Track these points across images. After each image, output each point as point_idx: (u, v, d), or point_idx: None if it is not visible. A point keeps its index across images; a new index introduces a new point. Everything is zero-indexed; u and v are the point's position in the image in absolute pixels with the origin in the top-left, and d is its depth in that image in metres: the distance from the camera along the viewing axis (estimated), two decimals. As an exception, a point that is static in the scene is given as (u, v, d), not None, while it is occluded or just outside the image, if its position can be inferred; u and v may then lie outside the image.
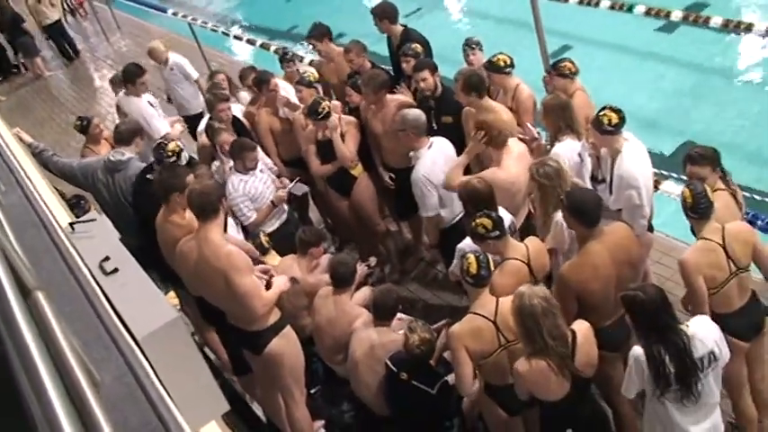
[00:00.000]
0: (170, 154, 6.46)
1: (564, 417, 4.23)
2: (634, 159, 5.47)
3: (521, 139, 6.37)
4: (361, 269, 6.05)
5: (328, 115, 6.99)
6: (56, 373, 1.90)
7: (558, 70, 6.47)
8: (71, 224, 3.76)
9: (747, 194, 6.92)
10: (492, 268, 4.72)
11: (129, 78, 8.49)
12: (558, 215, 5.18)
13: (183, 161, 6.68)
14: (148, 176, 6.50)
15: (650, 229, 5.82)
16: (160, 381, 2.66)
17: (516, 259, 5.01)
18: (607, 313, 4.88)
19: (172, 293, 7.03)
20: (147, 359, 2.75)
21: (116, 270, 3.26)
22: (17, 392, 1.67)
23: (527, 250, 5.06)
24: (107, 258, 3.33)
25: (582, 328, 4.31)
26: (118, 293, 3.06)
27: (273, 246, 6.40)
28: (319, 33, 8.20)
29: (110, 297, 3.03)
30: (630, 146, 5.50)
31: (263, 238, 6.38)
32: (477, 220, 4.96)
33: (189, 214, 5.52)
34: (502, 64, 6.65)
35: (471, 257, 4.69)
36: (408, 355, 4.91)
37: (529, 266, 5.02)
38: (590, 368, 4.25)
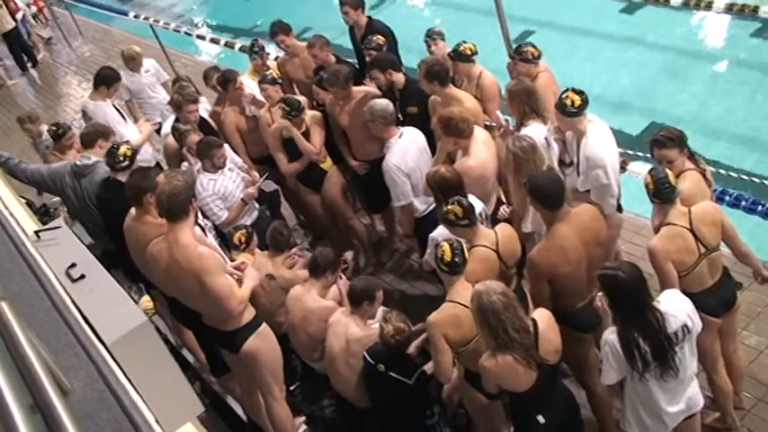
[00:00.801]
0: (121, 158, 6.37)
1: (533, 404, 4.23)
2: (599, 140, 5.49)
3: (486, 127, 6.40)
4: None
5: (303, 109, 7.00)
6: (20, 383, 1.89)
7: (521, 55, 6.49)
8: (36, 232, 3.72)
9: (715, 170, 7.01)
10: (466, 255, 4.72)
11: (106, 82, 8.42)
12: None
13: (139, 164, 6.61)
14: (110, 179, 6.44)
15: (619, 209, 5.86)
16: (132, 385, 2.65)
17: (485, 246, 5.02)
18: (580, 294, 4.90)
19: (146, 297, 6.98)
20: (117, 364, 2.73)
21: (83, 276, 3.24)
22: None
23: (496, 237, 5.07)
24: (73, 265, 3.31)
25: (543, 315, 4.31)
26: (86, 300, 3.04)
27: (248, 239, 6.35)
28: (281, 28, 8.16)
29: (78, 304, 3.01)
30: (595, 127, 5.52)
31: (239, 234, 6.34)
32: (449, 207, 4.98)
33: None
34: (468, 52, 6.68)
35: (445, 245, 4.69)
36: (384, 346, 4.92)
37: (498, 253, 5.03)
38: (555, 354, 4.23)
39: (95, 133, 7.05)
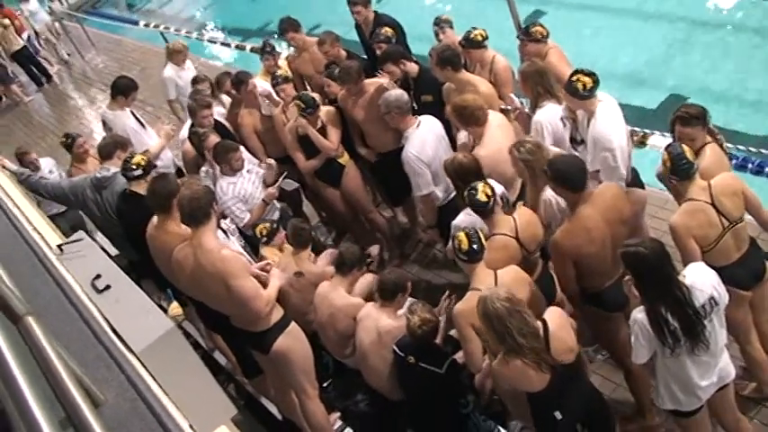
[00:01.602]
0: (134, 167, 6.37)
1: (549, 402, 4.17)
2: (607, 121, 5.45)
3: (502, 111, 6.37)
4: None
5: (318, 106, 7.00)
6: (51, 397, 1.90)
7: (530, 36, 6.49)
8: (59, 246, 3.75)
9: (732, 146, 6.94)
10: (484, 242, 4.69)
11: (123, 91, 8.42)
12: (546, 192, 5.17)
13: (159, 170, 6.63)
14: (126, 191, 6.46)
15: (641, 185, 5.82)
16: (164, 392, 2.66)
17: (503, 234, 4.99)
18: (607, 274, 4.86)
19: (175, 303, 7.02)
20: (148, 372, 2.74)
21: (108, 287, 3.26)
22: (8, 425, 1.67)
23: (515, 223, 5.04)
24: (98, 276, 3.33)
25: (554, 315, 4.25)
26: (112, 310, 3.06)
27: (270, 233, 6.36)
28: (290, 25, 8.17)
29: (105, 314, 3.03)
30: (604, 107, 5.48)
31: (260, 227, 6.35)
32: (480, 188, 4.96)
33: None
34: (480, 38, 6.71)
35: (461, 235, 4.68)
36: (412, 337, 4.91)
37: (518, 240, 5.00)
38: (569, 353, 4.16)
39: (113, 144, 7.09)
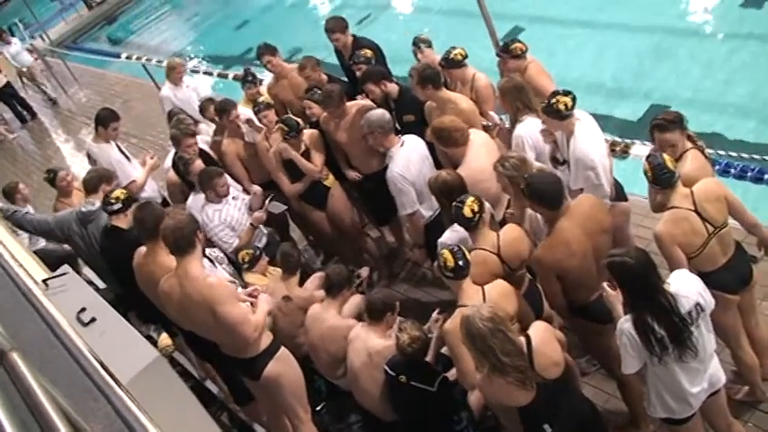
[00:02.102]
0: (113, 201, 6.33)
1: (537, 416, 4.16)
2: (587, 140, 5.49)
3: (484, 128, 6.41)
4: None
5: (301, 130, 7.04)
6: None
7: (510, 53, 6.54)
8: (44, 280, 3.74)
9: (713, 151, 6.99)
10: (468, 258, 4.71)
11: (103, 122, 8.41)
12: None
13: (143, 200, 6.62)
14: (108, 227, 6.44)
15: (624, 198, 5.86)
16: (152, 422, 2.65)
17: (484, 249, 5.01)
18: (593, 286, 4.84)
19: (165, 335, 7.00)
20: (135, 403, 2.73)
21: (93, 320, 3.25)
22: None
23: (497, 239, 5.05)
24: (83, 309, 3.32)
25: (538, 330, 4.23)
26: (98, 342, 3.05)
27: (252, 260, 6.38)
28: (267, 49, 8.20)
29: (91, 347, 3.02)
30: (582, 126, 5.52)
31: (242, 254, 6.39)
32: (468, 202, 4.97)
33: None
34: (459, 58, 6.75)
35: (445, 252, 4.70)
36: (403, 356, 4.91)
37: (500, 256, 5.00)
38: (554, 368, 4.14)
39: (98, 178, 7.10)
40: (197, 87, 9.96)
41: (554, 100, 5.41)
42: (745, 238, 5.16)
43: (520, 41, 6.59)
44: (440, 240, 5.45)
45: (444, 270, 4.71)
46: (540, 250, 4.86)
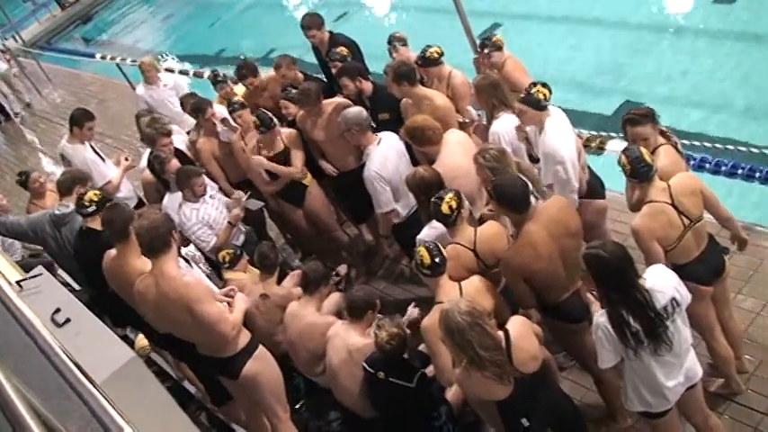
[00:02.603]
0: (87, 204, 6.26)
1: (515, 410, 4.19)
2: (556, 134, 5.52)
3: (461, 124, 6.42)
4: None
5: (274, 126, 7.02)
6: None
7: (494, 46, 6.65)
8: (18, 282, 3.70)
9: (688, 142, 7.06)
10: (445, 254, 4.72)
11: (77, 122, 8.34)
12: None
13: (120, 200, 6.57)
14: (82, 228, 6.37)
15: (602, 195, 5.90)
16: (127, 422, 2.63)
17: (459, 244, 5.02)
18: (562, 287, 4.88)
19: (141, 336, 6.96)
20: (110, 403, 2.71)
21: (68, 320, 3.22)
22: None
23: (474, 236, 5.06)
24: (58, 310, 3.29)
25: (516, 324, 4.26)
26: (73, 343, 3.02)
27: (233, 260, 6.37)
28: (249, 71, 8.14)
29: (65, 347, 2.99)
30: (552, 121, 5.55)
31: (222, 253, 6.38)
32: (447, 198, 4.98)
33: None
34: (435, 56, 6.75)
35: (422, 249, 4.72)
36: (381, 353, 4.91)
37: (475, 252, 5.02)
38: (532, 362, 4.17)
39: (71, 180, 7.00)
40: (177, 85, 9.87)
41: (534, 90, 5.46)
42: (720, 231, 5.21)
43: (495, 35, 6.69)
44: (418, 237, 5.45)
45: (421, 267, 4.72)
46: (507, 253, 4.87)
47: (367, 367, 5.03)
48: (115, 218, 5.52)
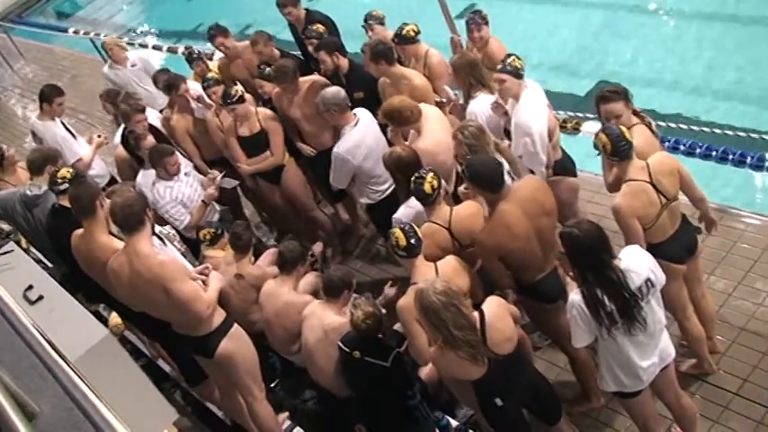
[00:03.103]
0: (60, 181, 6.17)
1: (489, 390, 4.22)
2: (529, 107, 5.54)
3: (438, 104, 6.40)
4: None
5: (242, 99, 6.95)
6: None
7: (484, 19, 6.69)
8: (-11, 259, 3.66)
9: (664, 124, 7.09)
10: (420, 236, 4.72)
11: (47, 98, 8.23)
12: None
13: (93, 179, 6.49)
14: (55, 206, 6.27)
15: (573, 173, 5.91)
16: (100, 399, 2.61)
17: (434, 222, 5.03)
18: (538, 267, 4.90)
19: (114, 314, 6.89)
20: (83, 381, 2.69)
21: (41, 297, 3.19)
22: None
23: (449, 215, 5.07)
24: (30, 287, 3.25)
25: (492, 304, 4.27)
26: (46, 320, 2.99)
27: (214, 239, 6.34)
28: (219, 31, 8.08)
29: (38, 325, 2.96)
30: (528, 94, 5.57)
31: (203, 232, 6.34)
32: (427, 178, 5.00)
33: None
34: (412, 34, 6.72)
35: (397, 231, 4.72)
36: (357, 332, 4.91)
37: (450, 231, 5.02)
38: (506, 343, 4.19)
39: (43, 159, 6.84)
40: (147, 64, 9.67)
41: (511, 59, 5.49)
42: (694, 213, 5.24)
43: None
44: (394, 216, 5.45)
45: (396, 249, 4.73)
46: (481, 233, 4.85)
47: (342, 346, 5.02)
48: (82, 194, 5.43)
